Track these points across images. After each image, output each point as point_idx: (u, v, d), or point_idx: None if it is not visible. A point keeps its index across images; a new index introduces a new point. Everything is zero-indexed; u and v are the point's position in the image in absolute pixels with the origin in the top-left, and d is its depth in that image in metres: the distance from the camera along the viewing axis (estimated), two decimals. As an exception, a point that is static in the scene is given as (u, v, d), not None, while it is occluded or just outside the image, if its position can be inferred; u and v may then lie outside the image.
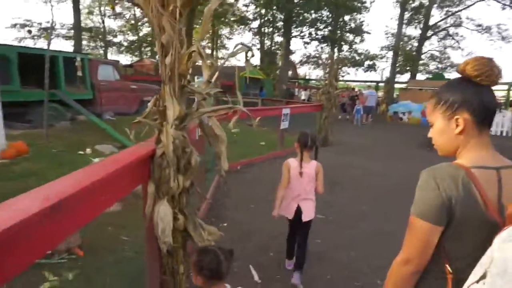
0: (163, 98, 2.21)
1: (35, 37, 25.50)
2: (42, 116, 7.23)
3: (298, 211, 3.05)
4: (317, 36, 26.83)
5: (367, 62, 28.19)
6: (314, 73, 35.63)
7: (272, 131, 9.88)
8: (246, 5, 26.17)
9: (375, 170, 7.26)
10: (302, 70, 35.89)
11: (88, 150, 6.59)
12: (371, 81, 27.15)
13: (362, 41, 28.11)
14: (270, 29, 29.28)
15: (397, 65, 25.85)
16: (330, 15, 25.78)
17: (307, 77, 34.82)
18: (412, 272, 1.18)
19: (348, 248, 3.73)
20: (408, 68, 27.28)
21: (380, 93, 24.03)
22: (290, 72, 28.94)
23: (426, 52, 28.06)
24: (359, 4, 25.43)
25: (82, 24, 24.61)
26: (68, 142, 7.08)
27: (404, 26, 25.90)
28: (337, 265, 3.40)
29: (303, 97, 25.58)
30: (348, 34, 27.58)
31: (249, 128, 10.43)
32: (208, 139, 2.58)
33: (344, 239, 3.96)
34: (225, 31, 32.75)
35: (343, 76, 27.30)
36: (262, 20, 28.16)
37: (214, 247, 1.68)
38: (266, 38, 30.52)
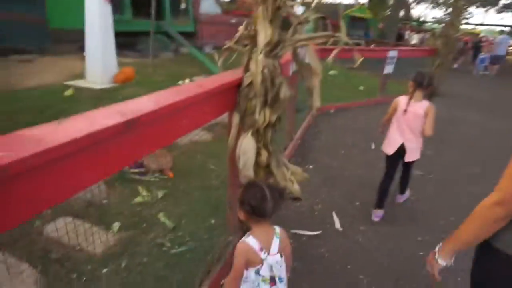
0: (254, 21, 1.99)
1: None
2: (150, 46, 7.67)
3: (401, 150, 2.93)
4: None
5: (502, 1, 23.42)
6: (430, 14, 31.15)
7: (373, 76, 9.05)
8: None
9: (493, 129, 6.21)
10: (416, 11, 31.64)
11: (187, 81, 6.87)
12: (504, 25, 22.62)
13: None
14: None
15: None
16: None
17: (421, 19, 30.68)
18: (503, 215, 1.09)
19: (447, 212, 3.28)
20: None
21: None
22: (401, 13, 25.72)
23: None
24: None
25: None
26: (170, 71, 7.45)
27: None
28: (432, 228, 3.02)
29: (414, 41, 22.78)
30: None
31: (348, 71, 9.73)
32: (301, 71, 2.32)
33: (444, 201, 3.49)
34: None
35: (467, 18, 23.31)
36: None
37: (263, 182, 1.48)
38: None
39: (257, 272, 1.43)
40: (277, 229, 1.50)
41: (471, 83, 11.63)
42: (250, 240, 1.42)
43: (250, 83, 1.99)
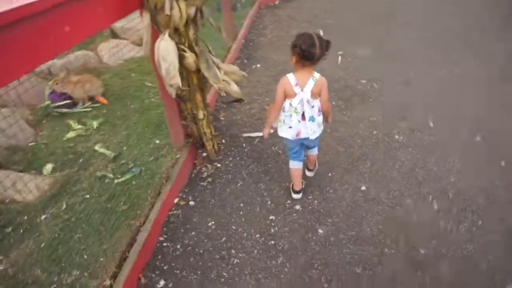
0: None
1: None
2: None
3: None
4: None
5: None
6: None
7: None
8: None
9: None
10: None
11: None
12: None
13: None
14: None
15: None
16: None
17: None
18: None
19: (402, 87, 3.24)
20: None
21: None
22: None
23: None
24: None
25: None
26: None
27: None
28: (383, 107, 2.99)
29: None
30: None
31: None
32: None
33: (400, 78, 3.42)
34: None
35: None
36: None
37: (313, 32, 1.70)
38: None
39: (290, 104, 1.76)
40: (316, 74, 1.74)
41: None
42: (290, 76, 1.74)
43: (152, -31, 1.60)
